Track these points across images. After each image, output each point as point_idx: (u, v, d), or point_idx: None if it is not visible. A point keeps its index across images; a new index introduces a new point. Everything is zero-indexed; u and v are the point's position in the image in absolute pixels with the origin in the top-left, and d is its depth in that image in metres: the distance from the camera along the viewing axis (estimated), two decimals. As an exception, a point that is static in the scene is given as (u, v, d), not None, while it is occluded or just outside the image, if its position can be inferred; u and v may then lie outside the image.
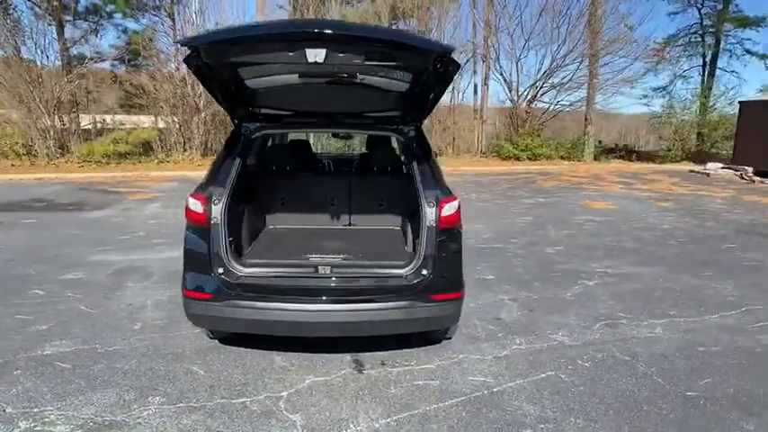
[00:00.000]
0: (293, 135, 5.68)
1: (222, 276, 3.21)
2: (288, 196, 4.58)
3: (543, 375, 3.49)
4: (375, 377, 3.43)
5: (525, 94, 20.01)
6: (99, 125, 17.98)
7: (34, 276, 5.38)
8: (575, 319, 4.46)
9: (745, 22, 22.41)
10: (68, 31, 17.25)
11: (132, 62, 18.86)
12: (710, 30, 23.13)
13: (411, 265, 3.27)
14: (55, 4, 16.50)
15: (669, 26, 36.44)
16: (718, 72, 23.43)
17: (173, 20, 17.52)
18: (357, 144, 10.46)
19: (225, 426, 2.88)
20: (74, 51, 17.51)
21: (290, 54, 2.62)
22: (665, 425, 2.97)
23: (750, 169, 15.50)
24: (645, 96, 24.11)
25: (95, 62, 17.69)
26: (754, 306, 4.87)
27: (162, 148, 16.73)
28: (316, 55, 2.56)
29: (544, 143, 19.41)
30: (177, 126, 16.76)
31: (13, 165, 14.79)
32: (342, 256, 3.59)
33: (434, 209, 3.26)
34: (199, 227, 3.27)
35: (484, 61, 20.76)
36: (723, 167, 16.73)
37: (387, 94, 3.48)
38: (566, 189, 12.81)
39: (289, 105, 3.78)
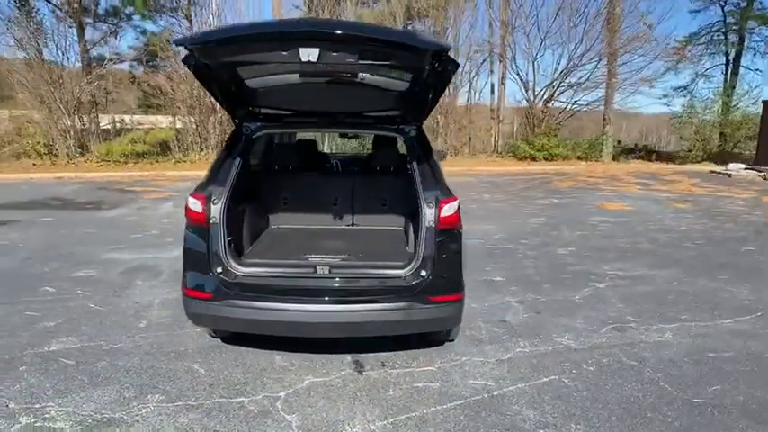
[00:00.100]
0: (301, 135, 5.68)
1: (221, 276, 3.22)
2: (291, 196, 4.58)
3: (546, 379, 3.43)
4: (375, 378, 3.40)
5: (542, 93, 19.83)
6: (118, 125, 18.30)
7: (47, 274, 5.47)
8: (582, 323, 4.38)
9: (770, 20, 21.82)
10: (88, 33, 17.67)
11: (150, 63, 19.16)
12: (734, 27, 22.57)
13: (410, 266, 3.24)
14: (75, 6, 16.85)
15: (690, 24, 35.75)
16: (741, 70, 22.88)
17: (190, 21, 17.73)
18: (371, 144, 10.44)
19: (221, 425, 2.88)
20: (93, 53, 17.92)
21: (284, 53, 2.61)
22: (669, 432, 2.89)
23: (773, 170, 15.12)
24: (665, 96, 23.69)
25: (114, 63, 18.05)
26: (771, 311, 4.73)
27: (179, 147, 16.96)
28: (309, 54, 2.55)
29: (561, 143, 19.18)
30: (194, 126, 16.97)
31: (34, 164, 15.13)
32: (341, 256, 3.57)
33: (434, 209, 3.22)
34: (198, 226, 3.28)
35: (501, 61, 20.61)
36: (746, 168, 16.34)
37: (387, 93, 3.46)
38: (581, 190, 12.63)
39: (289, 105, 3.78)
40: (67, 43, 16.60)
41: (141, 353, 3.71)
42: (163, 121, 19.29)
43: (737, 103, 20.74)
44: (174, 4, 18.75)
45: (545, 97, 19.78)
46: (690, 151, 20.28)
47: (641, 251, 6.85)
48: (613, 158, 19.75)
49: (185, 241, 3.34)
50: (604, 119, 19.77)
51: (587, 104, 20.06)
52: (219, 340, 3.88)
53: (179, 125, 17.64)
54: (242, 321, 3.29)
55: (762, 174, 15.38)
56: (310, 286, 3.25)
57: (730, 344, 4.03)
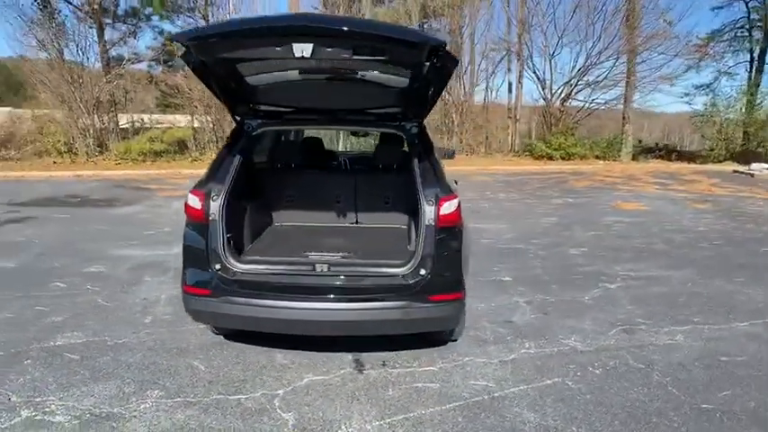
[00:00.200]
0: (308, 132, 5.67)
1: (219, 273, 3.21)
2: (295, 194, 4.57)
3: (549, 381, 3.36)
4: (374, 378, 3.37)
5: (559, 92, 19.56)
6: (137, 124, 18.57)
7: (58, 269, 5.56)
8: (590, 324, 4.29)
9: (796, 16, 21.19)
10: (108, 34, 17.93)
11: (168, 63, 19.35)
12: (758, 24, 21.94)
13: (409, 265, 3.19)
14: (96, 7, 17.11)
15: (713, 21, 34.81)
16: (766, 68, 22.26)
17: (207, 21, 17.89)
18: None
19: (217, 422, 2.88)
20: (113, 53, 18.20)
21: (278, 49, 2.59)
22: (674, 438, 2.81)
23: (799, 170, 14.69)
24: (687, 95, 23.12)
25: (133, 63, 18.34)
26: (789, 314, 4.58)
27: (196, 146, 17.14)
28: (302, 50, 2.52)
29: (578, 142, 18.90)
30: (210, 125, 17.13)
31: (55, 162, 15.41)
32: (341, 254, 3.55)
33: (434, 207, 3.17)
34: (197, 223, 3.28)
35: (518, 59, 20.41)
36: (769, 168, 15.92)
37: (387, 90, 3.42)
38: (597, 189, 12.43)
39: (289, 102, 3.76)
40: (87, 44, 16.90)
41: (144, 348, 3.74)
42: (181, 120, 19.53)
43: (762, 101, 20.21)
44: (192, 5, 18.98)
45: (562, 96, 19.52)
46: (712, 150, 19.81)
47: (656, 252, 6.70)
48: (633, 158, 19.40)
49: (184, 238, 3.35)
50: (623, 117, 19.43)
51: (605, 103, 19.75)
52: (222, 337, 3.89)
53: (196, 124, 17.83)
54: (240, 318, 3.29)
55: (786, 174, 14.97)
56: (309, 284, 3.23)
57: (744, 348, 3.90)
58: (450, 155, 5.47)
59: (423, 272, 3.16)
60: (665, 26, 18.45)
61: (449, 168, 3.95)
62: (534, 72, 19.92)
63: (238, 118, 3.70)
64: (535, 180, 14.06)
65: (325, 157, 5.16)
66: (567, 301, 4.84)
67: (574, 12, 18.78)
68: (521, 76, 20.75)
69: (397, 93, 3.44)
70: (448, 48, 2.67)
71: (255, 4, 19.70)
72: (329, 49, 2.60)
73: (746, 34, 22.40)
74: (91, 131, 16.26)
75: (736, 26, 22.43)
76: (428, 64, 2.76)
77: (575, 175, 15.32)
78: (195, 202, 3.27)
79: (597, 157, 18.88)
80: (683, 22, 26.56)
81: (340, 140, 16.32)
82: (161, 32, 20.36)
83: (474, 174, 15.02)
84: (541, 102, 20.27)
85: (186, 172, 14.56)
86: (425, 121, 3.90)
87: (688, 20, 38.95)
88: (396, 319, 3.19)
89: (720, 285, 5.34)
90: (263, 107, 3.72)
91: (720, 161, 19.02)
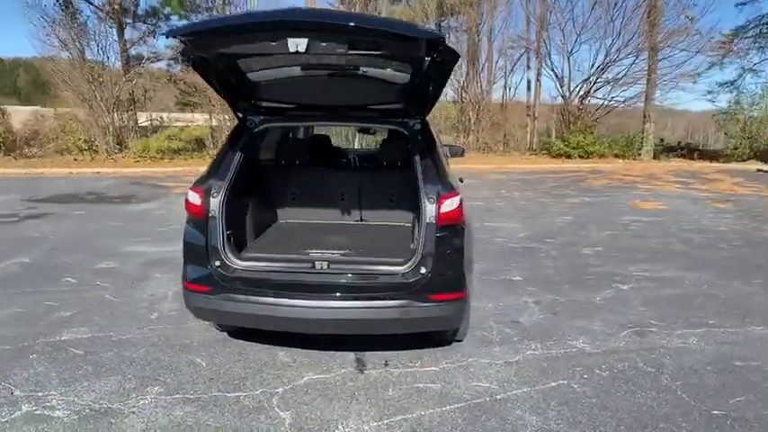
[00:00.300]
0: (316, 130, 5.65)
1: (219, 269, 3.20)
2: (299, 191, 4.55)
3: (554, 384, 3.27)
4: (375, 377, 3.33)
5: (577, 89, 19.25)
6: (156, 122, 18.83)
7: (70, 265, 5.63)
8: (600, 325, 4.18)
9: (825, 11, 20.53)
10: (128, 33, 18.19)
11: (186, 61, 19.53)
12: (786, 19, 21.34)
13: (409, 263, 3.14)
14: (116, 7, 17.36)
15: (737, 17, 33.84)
16: (792, 65, 21.59)
17: (224, 20, 18.02)
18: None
19: (214, 419, 2.86)
20: (132, 52, 18.43)
21: (273, 44, 2.56)
22: (681, 445, 2.71)
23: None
24: (710, 92, 22.52)
25: (152, 62, 18.55)
26: (809, 318, 4.41)
27: (213, 144, 17.30)
28: (297, 45, 2.49)
29: (597, 140, 18.56)
30: (228, 123, 17.25)
31: (75, 159, 15.70)
32: (342, 251, 3.51)
33: (434, 204, 3.11)
34: (197, 219, 3.28)
35: (537, 57, 20.15)
36: (795, 167, 15.45)
37: (389, 86, 3.36)
38: (615, 188, 12.19)
39: (291, 98, 3.73)
40: (108, 43, 17.21)
41: (148, 344, 3.75)
42: (199, 118, 19.74)
43: (788, 99, 19.62)
44: (210, 4, 19.12)
45: (581, 93, 19.20)
46: (735, 149, 19.27)
47: (672, 252, 6.53)
48: (654, 156, 18.99)
49: (185, 234, 3.35)
50: (644, 115, 19.03)
51: (624, 101, 19.34)
52: (226, 334, 3.89)
53: (214, 123, 17.99)
54: (240, 316, 3.28)
55: (814, 173, 14.51)
56: (308, 281, 3.20)
57: (761, 352, 3.76)
58: (460, 153, 5.39)
59: (423, 270, 3.10)
60: (687, 22, 18.00)
61: (462, 166, 3.89)
62: (552, 69, 19.68)
63: (240, 114, 3.68)
64: (551, 179, 13.86)
65: (332, 155, 5.13)
66: (578, 301, 4.73)
67: (593, 8, 18.49)
68: (539, 74, 20.53)
69: (399, 89, 3.38)
70: (449, 44, 2.61)
71: (272, 4, 19.83)
72: (324, 44, 2.55)
73: (772, 30, 21.74)
74: (111, 129, 16.53)
75: (762, 22, 21.74)
76: (428, 59, 2.70)
77: (593, 173, 15.06)
78: (195, 198, 3.27)
79: (616, 156, 18.53)
80: (705, 18, 25.79)
81: (355, 139, 16.29)
82: (180, 32, 20.56)
83: (490, 172, 14.87)
84: (560, 99, 20.02)
85: (203, 170, 14.61)
86: (435, 119, 3.85)
87: (711, 16, 37.82)
88: (395, 317, 3.14)
89: (738, 287, 5.18)
90: (264, 104, 3.70)
91: (744, 160, 18.51)
